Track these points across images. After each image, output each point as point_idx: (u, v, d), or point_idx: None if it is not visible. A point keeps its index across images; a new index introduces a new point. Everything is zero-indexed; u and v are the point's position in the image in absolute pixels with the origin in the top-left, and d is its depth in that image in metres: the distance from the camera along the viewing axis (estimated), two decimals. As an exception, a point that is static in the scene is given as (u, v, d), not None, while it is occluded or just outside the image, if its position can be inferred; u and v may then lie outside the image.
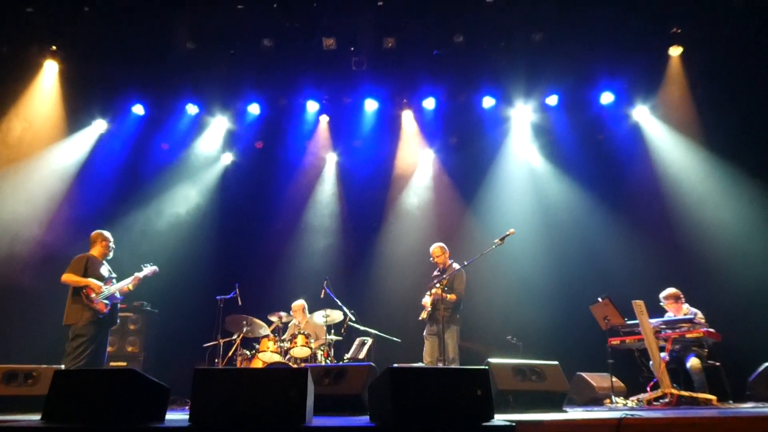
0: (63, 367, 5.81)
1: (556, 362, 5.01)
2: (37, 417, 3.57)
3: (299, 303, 9.11)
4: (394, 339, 8.68)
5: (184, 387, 6.96)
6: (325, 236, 11.09)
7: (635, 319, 6.39)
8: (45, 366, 5.06)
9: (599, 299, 6.84)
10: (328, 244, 11.03)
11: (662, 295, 7.24)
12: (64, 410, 3.21)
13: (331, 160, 11.44)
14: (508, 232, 6.63)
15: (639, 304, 6.28)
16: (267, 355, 8.05)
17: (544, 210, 10.28)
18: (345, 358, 8.50)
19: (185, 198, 10.70)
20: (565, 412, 4.62)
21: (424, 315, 7.44)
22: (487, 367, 3.33)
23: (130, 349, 9.27)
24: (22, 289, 8.82)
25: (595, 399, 7.32)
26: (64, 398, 3.26)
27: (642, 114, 10.05)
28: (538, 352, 7.25)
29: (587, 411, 5.16)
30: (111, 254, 7.02)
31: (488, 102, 10.27)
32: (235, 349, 8.35)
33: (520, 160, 10.67)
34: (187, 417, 3.16)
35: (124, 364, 8.92)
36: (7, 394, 4.84)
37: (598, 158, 10.08)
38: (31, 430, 3.02)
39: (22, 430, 3.03)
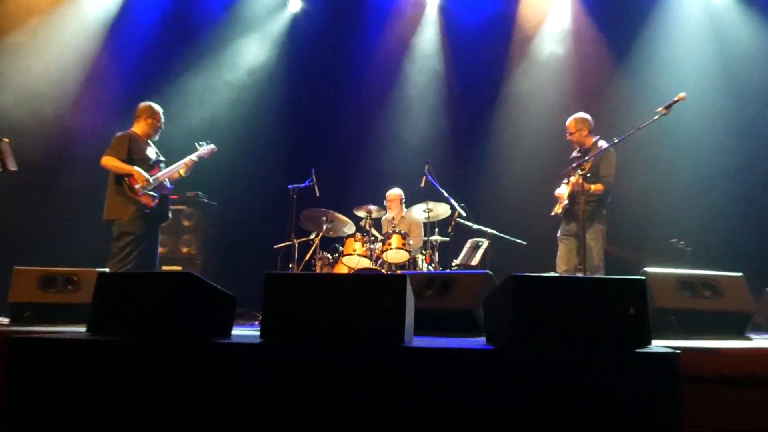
0: (108, 270, 6.21)
1: (739, 274, 4.87)
2: (82, 328, 3.84)
3: (395, 192, 9.26)
4: (518, 241, 8.71)
5: (251, 297, 7.38)
6: (425, 106, 11.01)
7: None
8: (86, 269, 5.36)
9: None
10: (429, 116, 10.97)
11: None
12: (113, 320, 3.43)
13: (432, 3, 11.17)
14: (676, 98, 6.31)
15: None
16: (353, 259, 8.31)
17: (727, 66, 9.66)
18: (453, 264, 8.65)
19: (245, 57, 10.81)
20: (749, 339, 4.53)
21: (558, 209, 7.37)
22: (643, 278, 3.26)
23: (185, 250, 9.76)
24: (55, 182, 9.28)
25: (791, 323, 7.15)
26: (112, 306, 3.47)
27: None
28: (713, 261, 7.07)
29: (780, 338, 5.04)
30: (158, 133, 7.28)
31: None
32: (314, 252, 8.63)
33: (695, -6, 10.01)
34: (258, 333, 3.31)
35: (179, 268, 9.36)
36: (46, 302, 5.14)
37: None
38: (78, 344, 3.24)
39: (67, 342, 3.26)
